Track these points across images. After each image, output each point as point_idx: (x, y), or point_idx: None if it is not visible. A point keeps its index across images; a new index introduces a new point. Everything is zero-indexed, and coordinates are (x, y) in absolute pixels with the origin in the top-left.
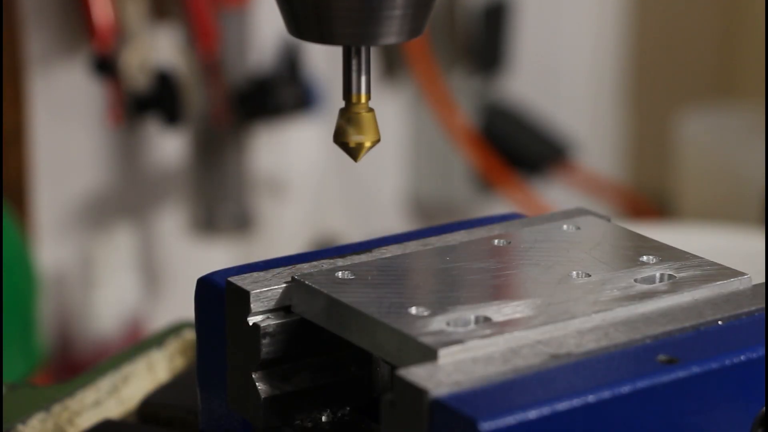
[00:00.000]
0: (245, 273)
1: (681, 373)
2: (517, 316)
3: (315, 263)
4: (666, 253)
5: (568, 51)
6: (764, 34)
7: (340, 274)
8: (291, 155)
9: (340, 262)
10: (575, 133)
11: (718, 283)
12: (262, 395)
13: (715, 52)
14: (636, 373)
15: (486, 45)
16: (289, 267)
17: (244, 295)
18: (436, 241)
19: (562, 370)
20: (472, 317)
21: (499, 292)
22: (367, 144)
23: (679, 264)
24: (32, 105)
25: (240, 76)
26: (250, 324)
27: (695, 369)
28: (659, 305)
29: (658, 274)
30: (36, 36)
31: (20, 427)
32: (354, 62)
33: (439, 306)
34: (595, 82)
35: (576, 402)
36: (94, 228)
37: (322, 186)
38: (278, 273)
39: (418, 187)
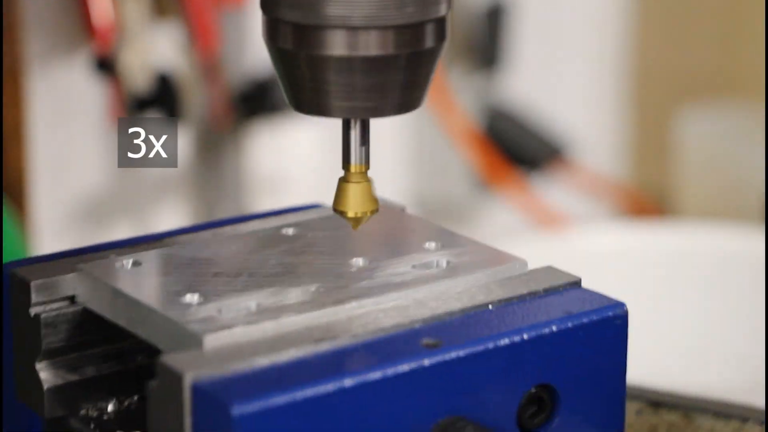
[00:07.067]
0: (31, 264)
1: (443, 356)
2: (290, 302)
3: (103, 253)
4: (449, 240)
5: (568, 50)
6: (765, 33)
7: (124, 263)
8: (290, 155)
9: (126, 252)
10: (576, 132)
11: (495, 268)
12: (45, 385)
13: (716, 50)
14: (398, 356)
15: (486, 44)
16: (76, 257)
17: (25, 285)
18: (227, 231)
19: (326, 356)
20: (244, 304)
21: (277, 279)
22: (367, 214)
23: (459, 250)
24: (32, 104)
25: (240, 76)
26: (32, 315)
27: (458, 352)
28: (431, 290)
29: (435, 260)
30: (36, 36)
31: None
32: (353, 133)
33: (215, 294)
34: (596, 81)
35: (333, 386)
36: (93, 227)
37: (322, 186)
38: (64, 263)
39: (418, 187)
